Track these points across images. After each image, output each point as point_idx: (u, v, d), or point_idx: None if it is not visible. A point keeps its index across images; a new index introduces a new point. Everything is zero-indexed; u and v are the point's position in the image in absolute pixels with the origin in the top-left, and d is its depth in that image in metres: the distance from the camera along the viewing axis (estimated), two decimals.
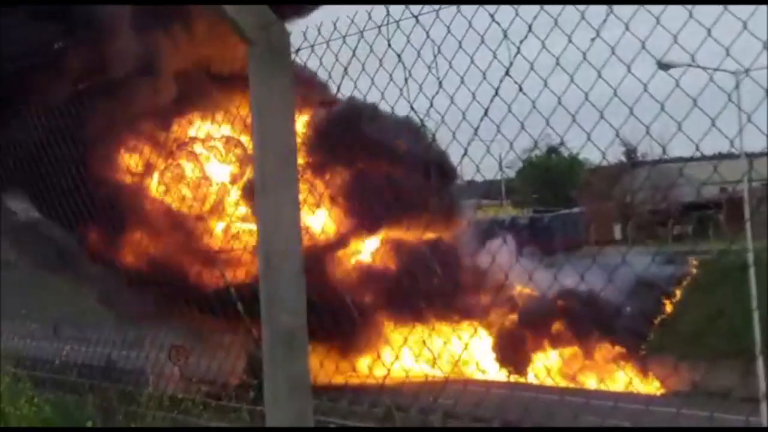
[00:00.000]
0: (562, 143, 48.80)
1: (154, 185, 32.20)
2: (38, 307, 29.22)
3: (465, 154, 5.12)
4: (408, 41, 5.04)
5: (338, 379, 17.39)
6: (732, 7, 4.17)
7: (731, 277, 30.21)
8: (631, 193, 56.40)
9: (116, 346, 25.00)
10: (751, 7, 4.21)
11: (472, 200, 40.33)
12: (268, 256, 3.91)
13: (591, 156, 52.68)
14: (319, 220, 33.22)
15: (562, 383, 36.35)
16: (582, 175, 63.06)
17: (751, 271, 27.55)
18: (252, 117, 3.91)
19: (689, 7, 4.30)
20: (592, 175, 58.66)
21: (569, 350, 39.34)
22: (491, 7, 4.63)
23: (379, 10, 4.97)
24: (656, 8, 4.46)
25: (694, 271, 40.42)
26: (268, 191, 3.91)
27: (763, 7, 4.05)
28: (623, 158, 60.20)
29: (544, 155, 67.36)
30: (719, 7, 4.28)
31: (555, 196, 64.54)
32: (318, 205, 29.59)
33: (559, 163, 68.16)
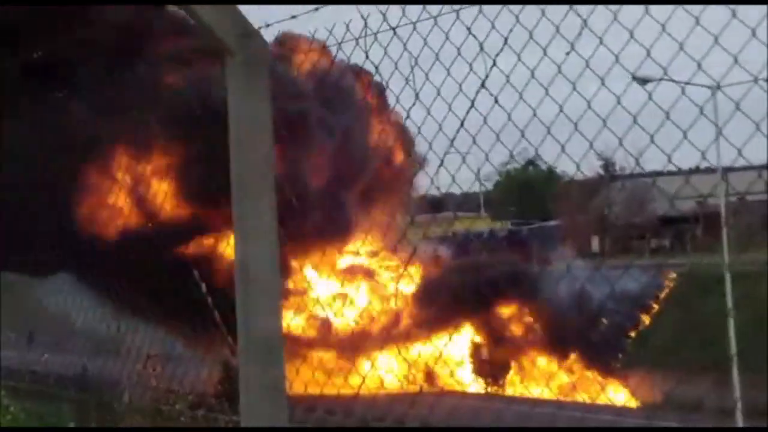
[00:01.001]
0: (536, 155, 48.53)
1: None
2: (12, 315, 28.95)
3: (441, 165, 5.17)
4: (385, 53, 5.11)
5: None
6: (705, 22, 4.25)
7: (706, 289, 30.35)
8: (609, 206, 56.61)
9: (91, 355, 24.87)
10: (724, 21, 4.28)
11: (448, 213, 39.63)
12: (245, 263, 3.96)
13: (570, 169, 52.83)
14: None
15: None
16: (559, 188, 63.24)
17: (727, 284, 27.69)
18: (230, 126, 3.96)
19: (662, 20, 4.37)
20: (570, 188, 58.79)
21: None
22: (467, 20, 4.71)
23: (357, 22, 5.05)
24: (630, 22, 4.54)
25: (670, 283, 40.42)
26: (245, 199, 3.96)
27: (735, 20, 4.12)
28: (601, 171, 60.42)
29: (521, 168, 67.54)
30: (693, 20, 4.35)
31: (533, 208, 64.70)
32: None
33: (536, 176, 68.38)
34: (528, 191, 68.38)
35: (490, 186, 66.02)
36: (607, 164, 59.11)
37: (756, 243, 33.45)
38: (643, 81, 5.10)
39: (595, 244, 55.85)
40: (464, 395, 32.42)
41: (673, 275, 40.30)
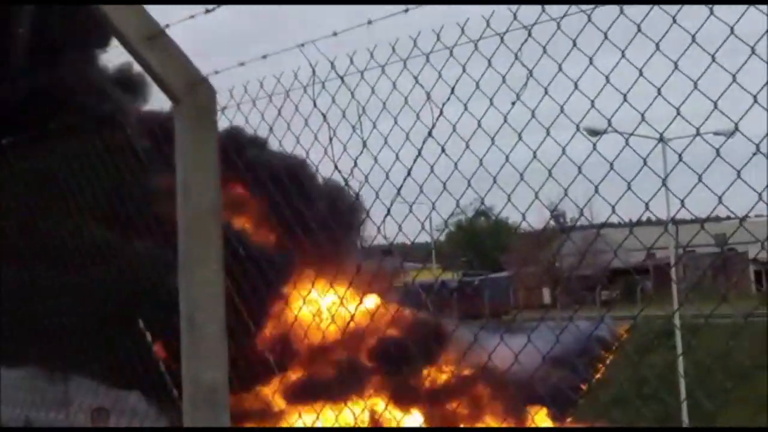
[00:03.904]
0: (482, 205, 48.72)
1: None
2: None
3: (388, 213, 5.17)
4: (333, 101, 5.12)
5: None
6: (648, 73, 4.30)
7: (655, 341, 30.51)
8: (560, 257, 56.81)
9: (34, 408, 24.45)
10: (667, 71, 4.33)
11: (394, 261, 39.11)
12: (190, 312, 3.93)
13: (521, 219, 52.78)
14: None
15: None
16: (510, 239, 63.50)
17: (678, 336, 27.85)
18: (176, 173, 3.94)
19: (606, 71, 4.43)
20: (521, 239, 59.05)
21: None
22: (415, 69, 4.74)
23: (305, 71, 5.06)
24: (575, 73, 4.58)
25: (621, 334, 40.60)
26: (192, 247, 3.93)
27: (678, 73, 4.18)
28: (552, 222, 60.69)
29: (471, 218, 67.79)
30: (637, 70, 4.40)
31: (484, 259, 64.85)
32: None
33: (487, 227, 68.62)
34: (479, 242, 68.57)
35: (440, 236, 66.13)
36: (557, 215, 59.51)
37: (703, 294, 33.75)
38: (594, 132, 5.15)
39: (546, 295, 56.00)
40: None
41: (624, 327, 40.46)
